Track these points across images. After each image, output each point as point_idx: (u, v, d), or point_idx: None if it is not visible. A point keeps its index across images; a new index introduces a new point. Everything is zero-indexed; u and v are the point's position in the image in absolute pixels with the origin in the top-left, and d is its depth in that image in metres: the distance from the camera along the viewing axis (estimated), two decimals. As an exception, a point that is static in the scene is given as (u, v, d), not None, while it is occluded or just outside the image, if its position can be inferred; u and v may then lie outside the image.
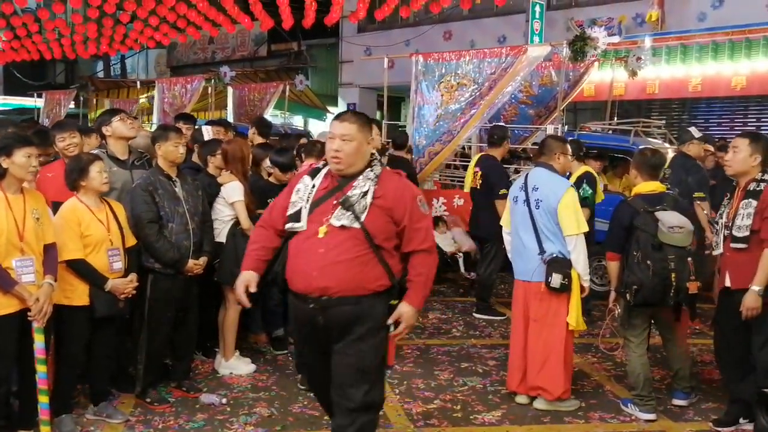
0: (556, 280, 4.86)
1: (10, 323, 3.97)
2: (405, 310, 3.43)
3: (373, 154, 3.54)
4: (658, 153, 5.17)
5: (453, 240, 8.81)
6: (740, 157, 4.59)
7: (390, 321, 3.42)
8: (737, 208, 4.53)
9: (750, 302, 4.36)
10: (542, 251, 4.96)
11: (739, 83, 12.30)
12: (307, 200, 3.47)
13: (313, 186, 3.51)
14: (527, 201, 5.05)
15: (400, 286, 3.48)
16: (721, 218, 4.71)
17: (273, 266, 3.62)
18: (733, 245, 4.52)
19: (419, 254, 3.49)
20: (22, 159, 3.98)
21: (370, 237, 3.35)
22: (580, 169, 7.07)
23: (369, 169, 3.48)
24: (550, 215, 4.94)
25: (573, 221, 4.91)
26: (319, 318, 3.41)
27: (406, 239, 3.46)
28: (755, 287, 4.35)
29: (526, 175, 5.23)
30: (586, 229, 5.00)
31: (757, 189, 4.47)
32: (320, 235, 3.37)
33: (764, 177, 4.51)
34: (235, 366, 5.63)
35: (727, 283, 4.59)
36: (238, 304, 5.46)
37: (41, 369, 4.07)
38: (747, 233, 4.44)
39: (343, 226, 3.35)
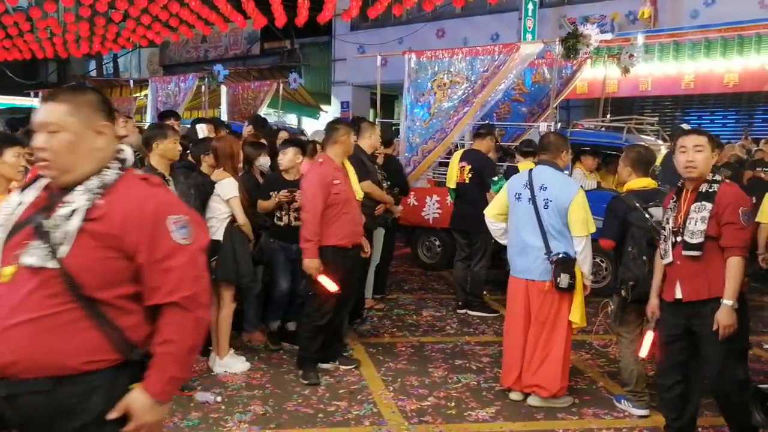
0: (565, 280, 4.87)
1: None
2: (135, 399, 2.23)
3: (120, 150, 2.40)
4: (650, 149, 5.19)
5: None
6: (705, 156, 4.07)
7: (113, 414, 2.22)
8: (687, 212, 4.05)
9: (725, 319, 3.90)
10: (549, 251, 4.96)
11: (732, 80, 12.36)
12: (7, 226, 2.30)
13: (20, 203, 2.33)
14: (533, 199, 5.03)
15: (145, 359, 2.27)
16: (668, 224, 4.21)
17: None
18: (685, 253, 4.03)
19: (169, 310, 2.26)
20: (12, 158, 3.99)
21: (73, 283, 2.16)
22: (525, 164, 7.09)
23: (97, 175, 2.28)
24: (559, 215, 4.95)
25: (583, 222, 4.93)
26: (7, 411, 2.21)
27: (147, 285, 2.25)
28: (728, 301, 3.90)
29: (530, 172, 5.21)
30: (594, 229, 5.01)
31: (710, 190, 4.01)
32: (3, 279, 2.21)
33: (716, 177, 4.07)
34: (230, 364, 5.63)
35: (678, 295, 4.10)
36: (233, 301, 5.52)
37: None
38: (702, 239, 3.95)
39: (32, 266, 2.17)
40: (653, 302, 4.42)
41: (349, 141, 5.68)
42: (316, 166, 5.58)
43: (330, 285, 5.39)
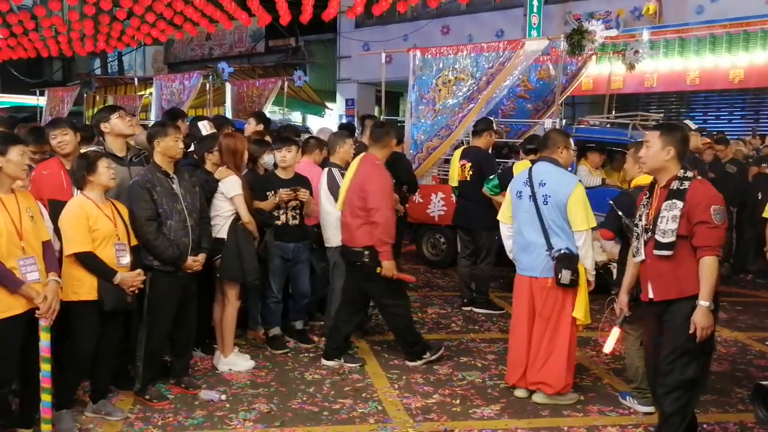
0: (566, 276, 4.86)
1: (17, 324, 3.95)
2: None
3: None
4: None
5: (602, 249, 8.23)
6: (652, 151, 4.03)
7: None
8: (658, 209, 3.98)
9: (702, 321, 3.80)
10: (550, 247, 4.95)
11: (737, 76, 12.34)
12: None
13: None
14: (533, 196, 5.02)
15: None
16: (640, 221, 4.14)
17: None
18: (656, 252, 3.96)
19: None
20: (17, 157, 3.98)
21: None
22: (522, 164, 7.04)
23: None
24: (558, 211, 4.93)
25: (583, 217, 4.90)
26: None
27: None
28: (704, 303, 3.81)
29: (530, 169, 5.19)
30: (595, 224, 5.00)
31: (681, 188, 3.93)
32: None
33: (686, 174, 3.99)
34: (234, 362, 5.63)
35: (650, 295, 4.06)
36: (238, 299, 5.52)
37: (46, 367, 4.06)
38: (673, 238, 3.88)
39: None
40: (623, 299, 4.44)
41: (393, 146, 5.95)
42: (378, 168, 5.62)
43: (409, 277, 5.95)
